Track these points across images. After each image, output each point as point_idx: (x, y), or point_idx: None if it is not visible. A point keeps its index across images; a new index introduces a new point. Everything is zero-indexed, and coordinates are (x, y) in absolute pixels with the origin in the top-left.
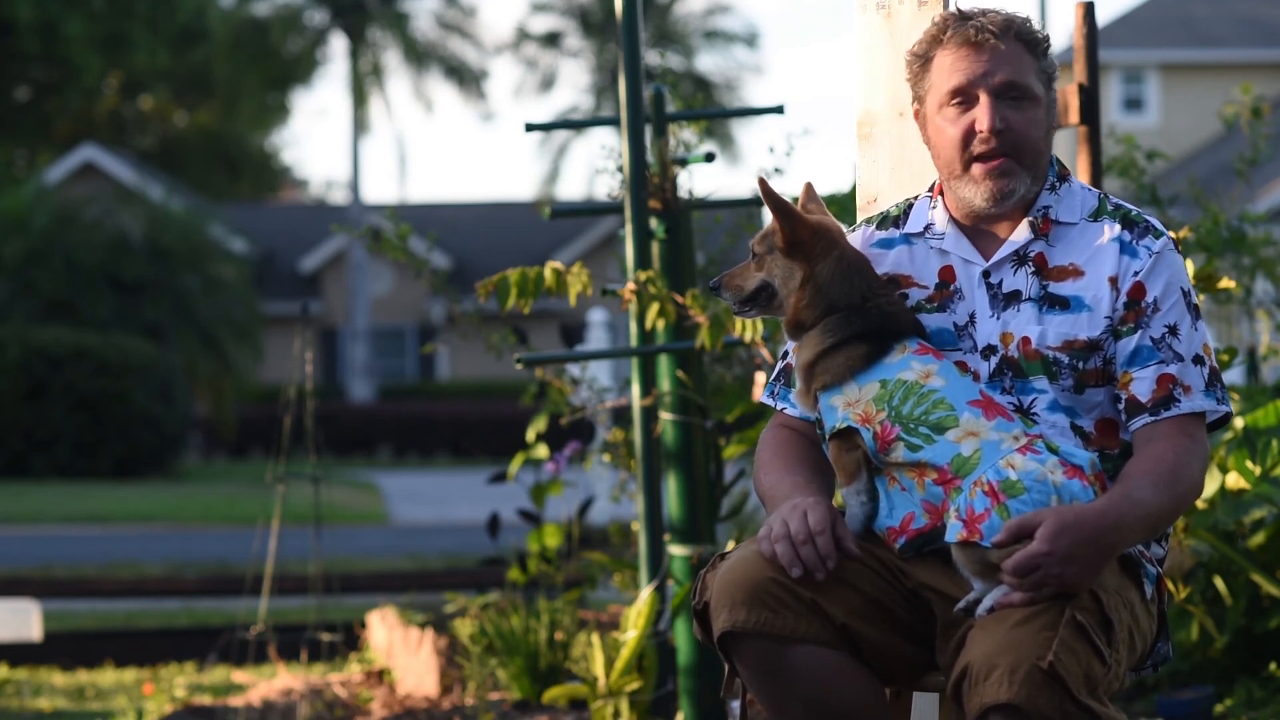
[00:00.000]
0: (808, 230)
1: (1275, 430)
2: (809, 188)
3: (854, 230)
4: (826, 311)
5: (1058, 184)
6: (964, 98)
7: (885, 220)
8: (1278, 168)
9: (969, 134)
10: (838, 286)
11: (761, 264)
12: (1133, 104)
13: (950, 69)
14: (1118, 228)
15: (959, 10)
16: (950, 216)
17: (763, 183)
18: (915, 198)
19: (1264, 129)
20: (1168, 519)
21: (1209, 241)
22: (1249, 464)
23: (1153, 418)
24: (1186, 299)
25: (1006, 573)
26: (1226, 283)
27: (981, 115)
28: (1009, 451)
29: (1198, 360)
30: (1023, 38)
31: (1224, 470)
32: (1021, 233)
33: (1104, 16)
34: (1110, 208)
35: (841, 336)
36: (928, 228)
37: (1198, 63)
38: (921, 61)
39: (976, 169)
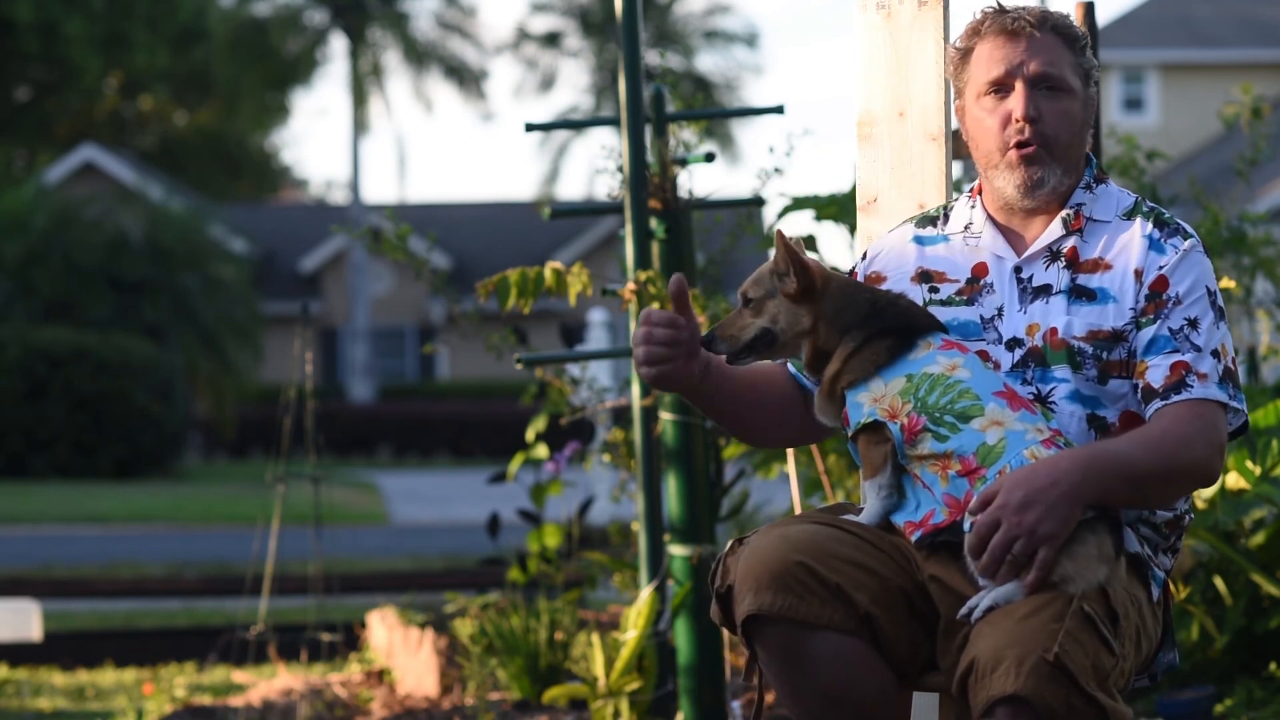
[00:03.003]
0: (813, 277)
1: (1275, 430)
2: (798, 241)
3: (895, 229)
4: (843, 335)
5: (1094, 184)
6: (1001, 87)
7: (925, 220)
8: (1278, 168)
9: (1005, 122)
10: (846, 312)
11: (760, 309)
12: (1133, 104)
13: (988, 59)
14: (1149, 226)
15: (999, 4)
16: (987, 215)
17: (781, 235)
18: (955, 199)
19: (1264, 129)
20: (1154, 479)
21: (1209, 241)
22: (1249, 464)
23: (1163, 402)
24: (1212, 299)
25: (971, 545)
26: (1226, 283)
27: (1016, 103)
28: (1034, 443)
29: (1215, 354)
30: (1059, 31)
31: (1224, 470)
32: (1055, 229)
33: (1104, 16)
34: (1146, 209)
35: (865, 337)
36: (967, 226)
37: (1198, 63)
38: (962, 54)
39: (1012, 155)
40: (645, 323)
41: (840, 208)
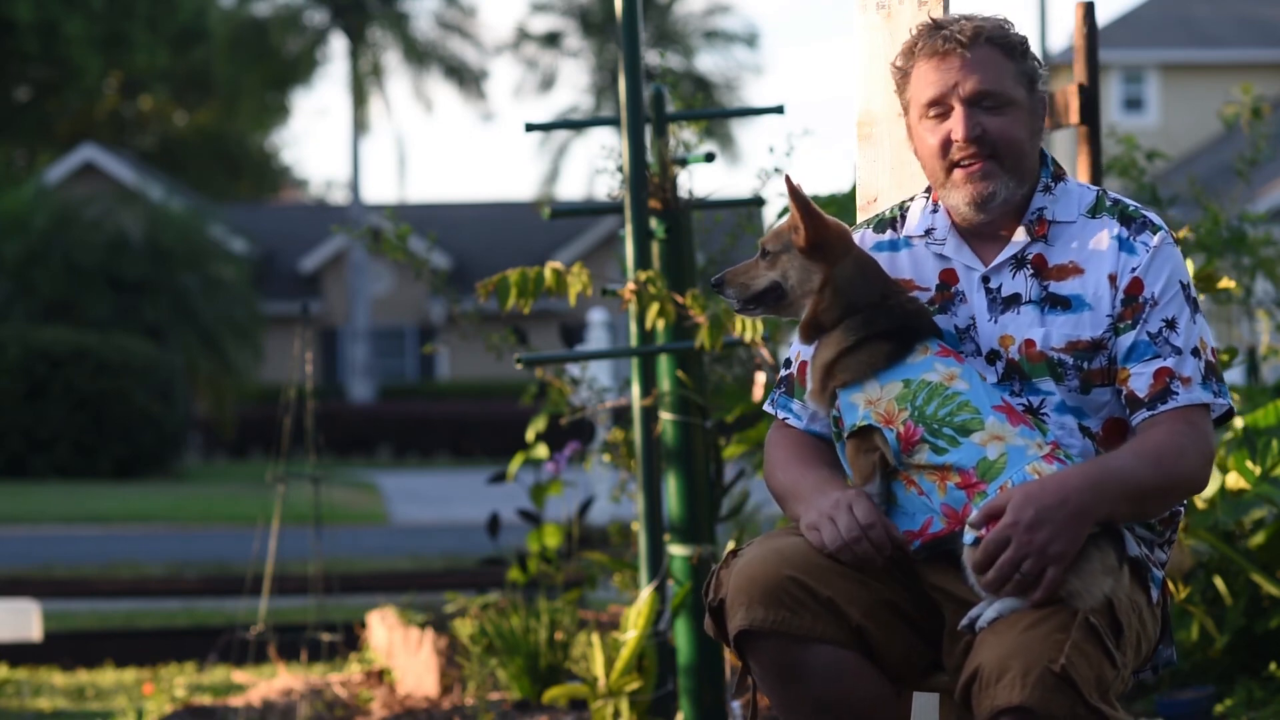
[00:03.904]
0: (829, 231)
1: (1275, 430)
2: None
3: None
4: (846, 313)
5: (1053, 184)
6: (939, 108)
7: (882, 224)
8: (1278, 168)
9: (946, 143)
10: (858, 287)
11: (774, 263)
12: (1133, 104)
13: (924, 81)
14: (1116, 225)
15: (933, 20)
16: (950, 221)
17: (789, 180)
18: (910, 200)
19: (1264, 129)
20: (1155, 494)
21: (1209, 241)
22: (1249, 464)
23: (1150, 411)
24: (1185, 292)
25: (977, 561)
26: (1226, 283)
27: (956, 125)
28: (1035, 458)
29: (1195, 353)
30: (995, 42)
31: (1224, 470)
32: (1020, 237)
33: (1104, 16)
34: (1109, 203)
35: (864, 335)
36: (929, 231)
37: (1198, 63)
38: (901, 74)
39: (957, 174)
40: (871, 528)
41: (840, 208)
